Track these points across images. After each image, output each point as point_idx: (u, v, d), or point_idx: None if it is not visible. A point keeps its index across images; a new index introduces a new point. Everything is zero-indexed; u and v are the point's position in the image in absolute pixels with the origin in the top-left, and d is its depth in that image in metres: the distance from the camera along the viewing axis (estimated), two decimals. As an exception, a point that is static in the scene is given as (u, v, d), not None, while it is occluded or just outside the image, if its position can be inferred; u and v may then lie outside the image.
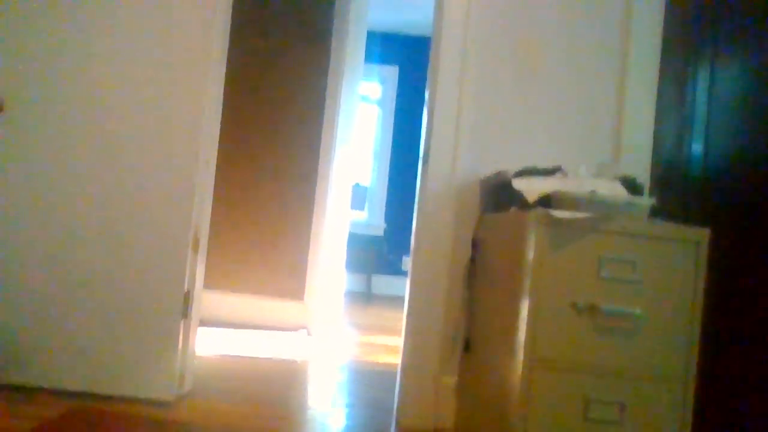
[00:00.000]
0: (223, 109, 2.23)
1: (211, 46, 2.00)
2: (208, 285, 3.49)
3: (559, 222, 1.35)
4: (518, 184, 1.63)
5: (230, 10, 2.16)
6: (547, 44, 2.08)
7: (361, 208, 6.22)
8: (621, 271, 1.35)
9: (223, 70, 2.17)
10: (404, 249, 6.22)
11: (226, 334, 3.11)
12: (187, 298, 2.02)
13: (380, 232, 6.19)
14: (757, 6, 1.65)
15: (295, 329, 3.45)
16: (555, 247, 1.36)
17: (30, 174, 1.96)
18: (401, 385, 2.06)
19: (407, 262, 6.43)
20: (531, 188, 1.58)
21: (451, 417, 2.01)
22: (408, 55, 6.26)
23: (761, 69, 1.64)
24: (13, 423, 1.67)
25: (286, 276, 3.53)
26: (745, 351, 1.62)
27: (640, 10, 2.06)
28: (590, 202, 1.41)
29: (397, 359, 3.05)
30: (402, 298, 6.29)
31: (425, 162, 2.06)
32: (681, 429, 1.35)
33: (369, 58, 6.07)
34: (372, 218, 6.23)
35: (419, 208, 2.09)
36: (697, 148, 1.86)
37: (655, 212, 1.50)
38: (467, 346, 1.95)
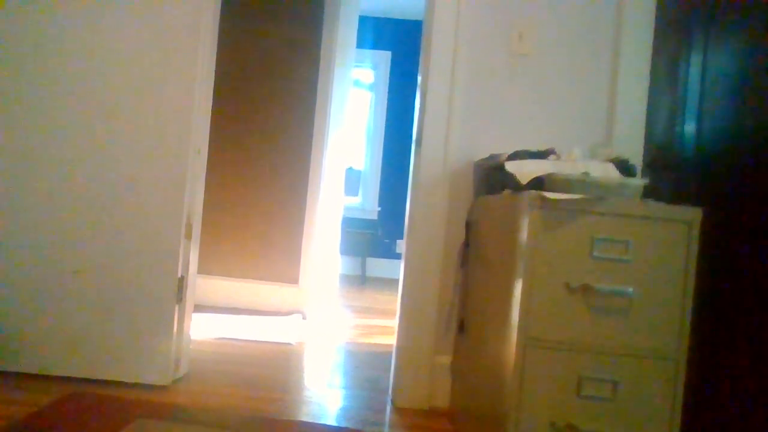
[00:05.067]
0: (214, 96, 2.22)
1: (201, 32, 1.99)
2: (204, 271, 3.50)
3: (552, 204, 1.36)
4: (511, 166, 1.63)
5: (221, -6, 2.14)
6: (539, 27, 2.07)
7: (355, 192, 6.22)
8: (614, 251, 1.36)
9: (214, 56, 2.16)
10: (398, 232, 6.24)
11: (221, 320, 3.12)
12: (181, 284, 2.02)
13: (374, 216, 6.20)
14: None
15: (290, 313, 3.46)
16: (548, 229, 1.37)
17: (22, 164, 1.95)
18: (396, 366, 2.08)
19: (401, 245, 6.44)
20: (524, 171, 1.59)
21: (445, 397, 2.04)
22: (400, 40, 6.23)
23: (754, 49, 1.65)
24: (9, 409, 1.68)
25: (281, 260, 3.53)
26: (736, 329, 1.65)
27: (633, -8, 2.06)
28: (583, 183, 1.42)
29: (391, 340, 3.07)
30: (396, 281, 6.31)
31: (418, 146, 2.06)
32: (673, 406, 1.37)
33: (361, 43, 6.03)
34: (366, 202, 6.24)
35: (413, 192, 2.09)
36: (689, 128, 1.87)
37: (647, 193, 1.51)
38: (461, 327, 1.97)
